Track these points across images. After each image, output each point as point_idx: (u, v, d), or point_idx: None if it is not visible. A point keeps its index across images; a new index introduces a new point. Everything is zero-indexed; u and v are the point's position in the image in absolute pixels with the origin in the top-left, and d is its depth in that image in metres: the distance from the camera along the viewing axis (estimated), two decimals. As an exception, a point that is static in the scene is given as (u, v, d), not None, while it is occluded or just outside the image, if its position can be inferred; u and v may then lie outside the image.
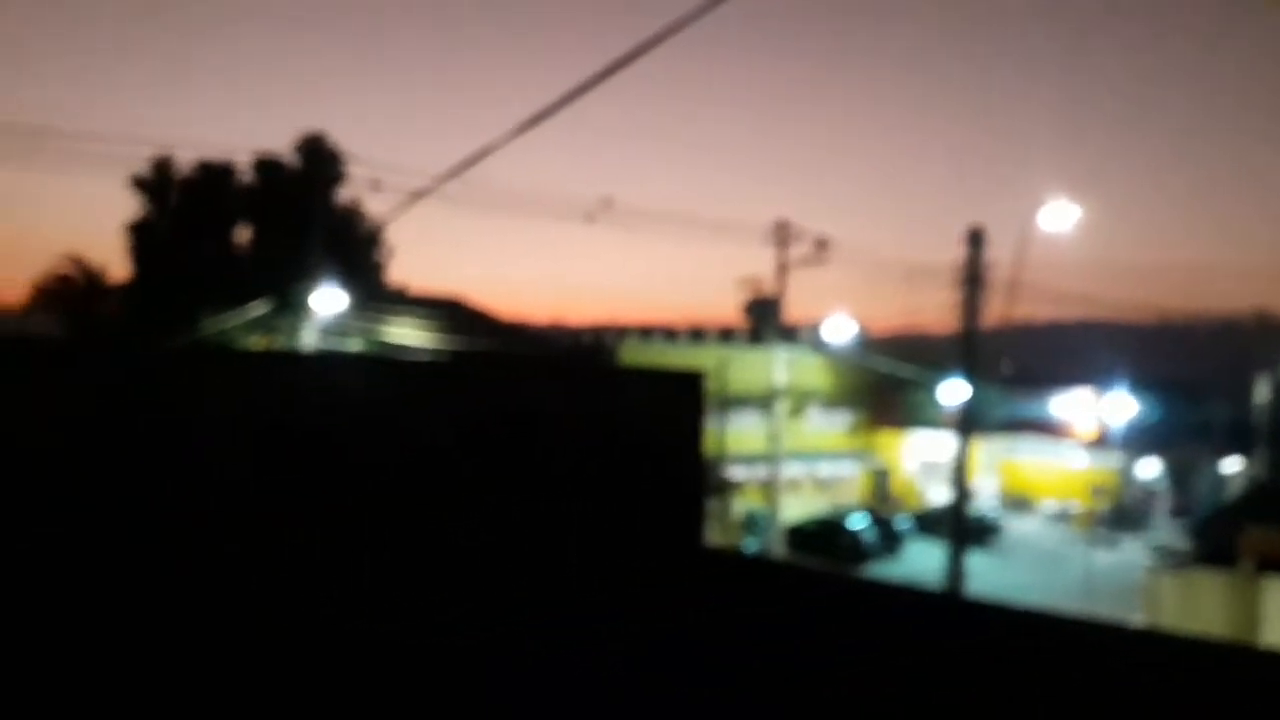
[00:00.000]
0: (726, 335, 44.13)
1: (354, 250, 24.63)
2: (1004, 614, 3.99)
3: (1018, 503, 42.74)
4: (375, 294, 23.81)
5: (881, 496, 42.45)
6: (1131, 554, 32.43)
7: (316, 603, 5.48)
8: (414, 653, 5.73)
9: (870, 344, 39.92)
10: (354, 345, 20.77)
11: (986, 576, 25.52)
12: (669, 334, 49.17)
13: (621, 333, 46.99)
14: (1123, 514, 38.55)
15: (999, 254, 21.81)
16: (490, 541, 5.79)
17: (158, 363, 6.22)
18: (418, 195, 8.63)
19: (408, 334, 22.08)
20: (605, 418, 6.48)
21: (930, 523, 35.73)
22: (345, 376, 7.08)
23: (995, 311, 19.54)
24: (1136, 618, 20.66)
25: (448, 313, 25.77)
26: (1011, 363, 43.26)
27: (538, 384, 7.04)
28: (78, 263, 34.19)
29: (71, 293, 33.68)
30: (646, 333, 48.69)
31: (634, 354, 36.98)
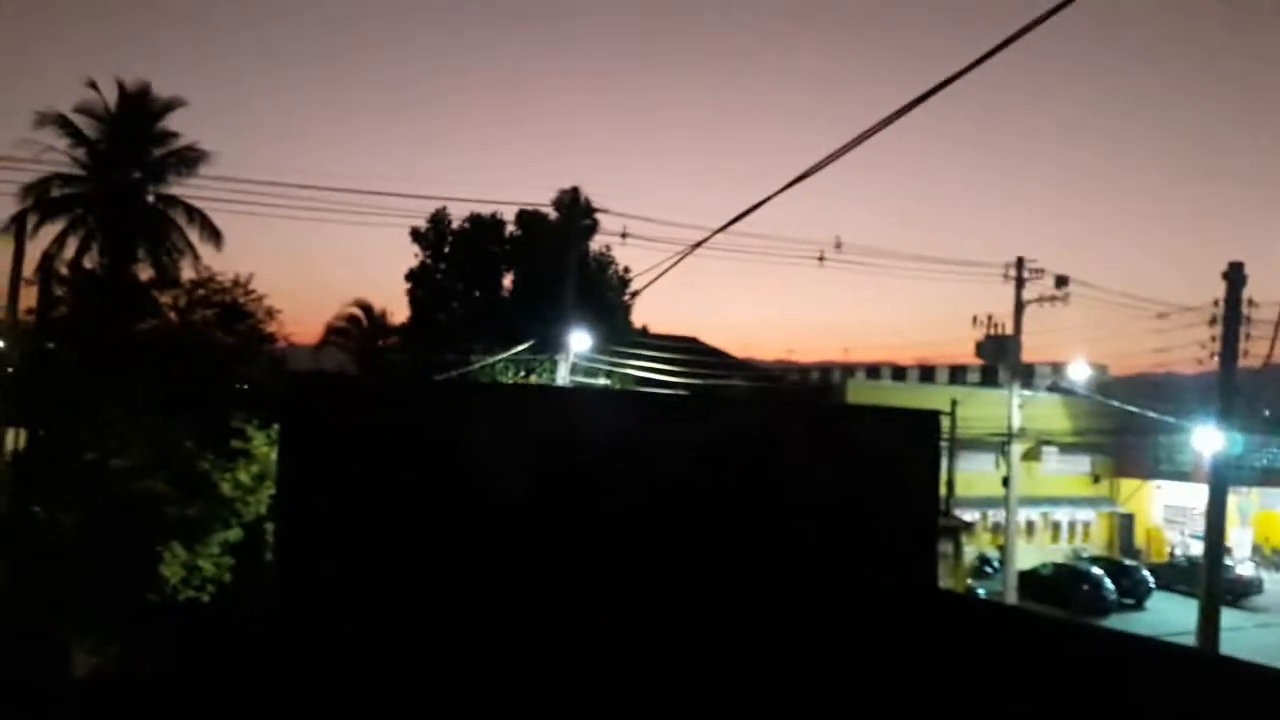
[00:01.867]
0: (957, 374, 42.57)
1: (603, 293, 25.84)
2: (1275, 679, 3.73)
3: (1277, 559, 38.40)
4: (620, 334, 24.84)
5: (1123, 546, 39.33)
6: None
7: (578, 609, 5.93)
8: (659, 666, 6.06)
9: (1112, 385, 37.29)
10: (602, 381, 21.76)
11: (1243, 637, 23.13)
12: (897, 372, 47.97)
13: (849, 371, 46.32)
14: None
15: (1257, 291, 20.04)
16: (728, 565, 6.05)
17: (468, 394, 6.92)
18: (695, 246, 9.09)
19: (648, 371, 22.87)
20: (841, 454, 6.62)
21: (1175, 575, 32.76)
22: (600, 408, 7.60)
23: (1255, 351, 17.99)
24: None
25: (684, 351, 26.44)
26: (1271, 408, 39.11)
27: (775, 419, 7.27)
28: (364, 306, 37.81)
29: (359, 332, 37.23)
30: (874, 371, 47.74)
31: (861, 393, 36.36)
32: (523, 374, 21.01)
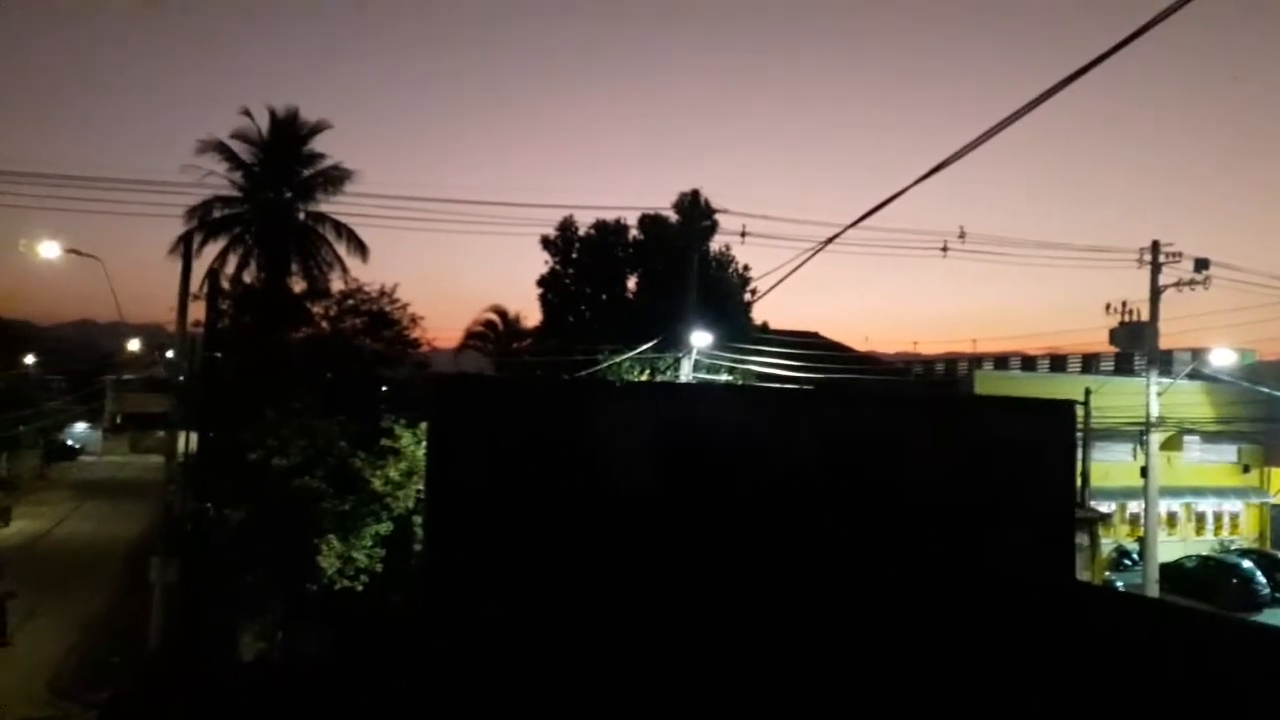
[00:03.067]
0: (1090, 363, 40.62)
1: (724, 292, 25.78)
2: None
3: None
4: (741, 330, 24.72)
5: (1276, 538, 36.73)
6: None
7: (707, 601, 5.93)
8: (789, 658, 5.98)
9: (1261, 370, 34.89)
10: (724, 378, 21.71)
11: None
12: (1027, 362, 46.08)
13: (976, 362, 44.73)
14: None
15: None
16: (858, 561, 5.95)
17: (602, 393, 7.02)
18: (827, 242, 8.96)
19: (770, 367, 22.66)
20: (972, 446, 6.40)
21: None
22: (725, 403, 7.57)
23: None
24: None
25: (805, 345, 26.10)
26: None
27: (903, 412, 7.10)
28: (499, 311, 38.83)
29: (495, 336, 38.26)
30: (1002, 361, 45.97)
31: (989, 384, 35.09)
32: (648, 372, 21.15)
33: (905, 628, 5.93)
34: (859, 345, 43.52)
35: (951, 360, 48.50)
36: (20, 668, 20.38)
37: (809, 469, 6.42)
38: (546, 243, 27.30)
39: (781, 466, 6.21)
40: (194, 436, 21.85)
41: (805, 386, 20.72)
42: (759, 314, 27.98)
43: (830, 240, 8.94)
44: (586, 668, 5.88)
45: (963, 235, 21.73)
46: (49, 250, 20.88)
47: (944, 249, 22.20)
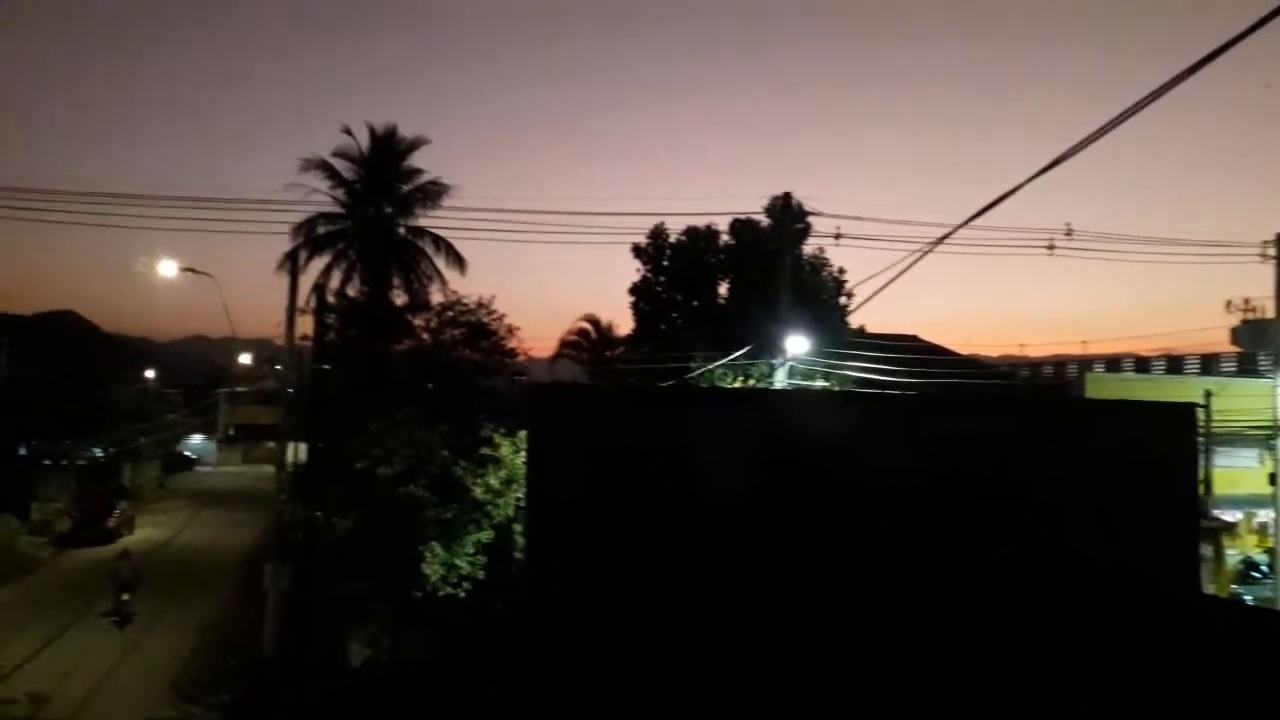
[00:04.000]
0: (1209, 364, 38.71)
1: (818, 296, 25.48)
2: None
3: None
4: (837, 335, 24.38)
5: None
6: None
7: (807, 603, 5.84)
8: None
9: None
10: (820, 383, 21.43)
11: None
12: (1140, 364, 44.18)
13: (1086, 364, 43.08)
14: None
15: None
16: (970, 567, 5.79)
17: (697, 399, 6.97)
18: (937, 242, 8.81)
19: (868, 372, 22.28)
20: (1089, 451, 6.17)
21: None
22: (823, 409, 7.47)
23: None
24: None
25: (904, 349, 25.57)
26: None
27: (1014, 416, 6.89)
28: (592, 320, 39.23)
29: (588, 344, 38.66)
30: (1114, 363, 44.17)
31: (1101, 386, 33.73)
32: (741, 379, 21.04)
33: (1018, 639, 5.75)
34: (960, 348, 42.41)
35: (1060, 363, 46.85)
36: (146, 669, 21.43)
37: (915, 475, 6.30)
38: (638, 251, 27.45)
39: (888, 473, 6.10)
40: (303, 447, 22.66)
41: (905, 392, 20.29)
42: (855, 317, 27.55)
43: (940, 241, 8.77)
44: (685, 670, 5.88)
45: (1069, 232, 21.03)
46: (167, 269, 22.01)
47: (1050, 247, 21.52)
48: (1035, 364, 49.76)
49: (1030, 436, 6.10)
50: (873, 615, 5.81)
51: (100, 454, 45.27)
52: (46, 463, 42.80)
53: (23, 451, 42.38)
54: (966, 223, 7.90)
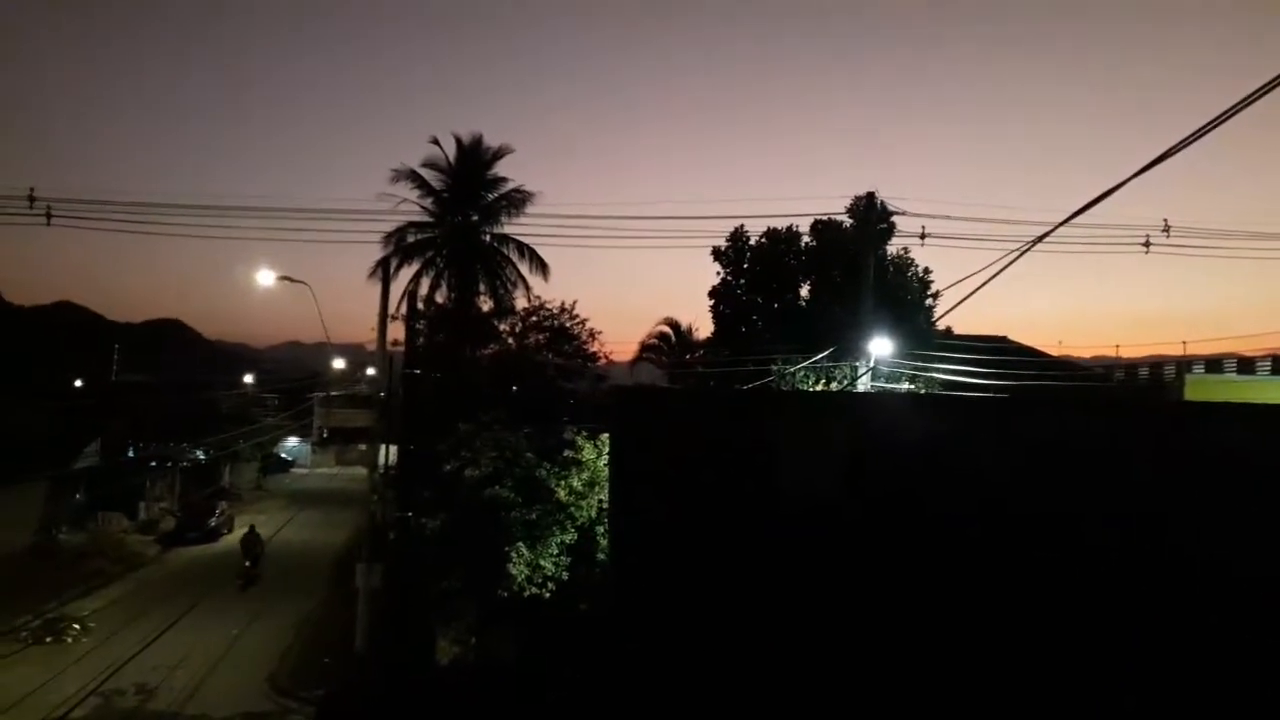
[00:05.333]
0: (1321, 364, 36.70)
1: (903, 296, 24.99)
2: None
3: None
4: (923, 336, 23.86)
5: None
6: None
7: (898, 609, 5.68)
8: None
9: None
10: (905, 386, 21.01)
11: None
12: (1244, 364, 42.17)
13: (1185, 365, 41.32)
14: None
15: None
16: (1068, 576, 5.58)
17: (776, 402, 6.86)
18: (1036, 241, 8.56)
19: (955, 374, 21.76)
20: (1196, 457, 5.88)
21: None
22: (913, 412, 7.30)
23: None
24: None
25: (993, 351, 24.89)
26: None
27: (1114, 419, 6.62)
28: (672, 324, 39.21)
29: (668, 348, 38.65)
30: (1215, 364, 42.25)
31: (1202, 389, 32.30)
32: (823, 381, 20.76)
33: (1123, 652, 5.53)
34: (1052, 349, 41.12)
35: (1157, 364, 45.07)
36: (245, 664, 22.21)
37: (1008, 479, 6.11)
38: (717, 254, 27.31)
39: (980, 477, 5.94)
40: (394, 449, 23.20)
41: (995, 395, 19.75)
42: (942, 320, 26.91)
43: (1040, 239, 8.48)
44: (770, 678, 5.82)
45: (1167, 229, 20.25)
46: (265, 278, 22.80)
47: (1146, 244, 20.75)
48: (1131, 365, 47.95)
49: (1133, 439, 5.84)
50: (963, 625, 5.66)
51: (202, 456, 47.08)
52: (153, 464, 44.71)
53: (131, 453, 44.37)
54: (1066, 221, 7.63)
